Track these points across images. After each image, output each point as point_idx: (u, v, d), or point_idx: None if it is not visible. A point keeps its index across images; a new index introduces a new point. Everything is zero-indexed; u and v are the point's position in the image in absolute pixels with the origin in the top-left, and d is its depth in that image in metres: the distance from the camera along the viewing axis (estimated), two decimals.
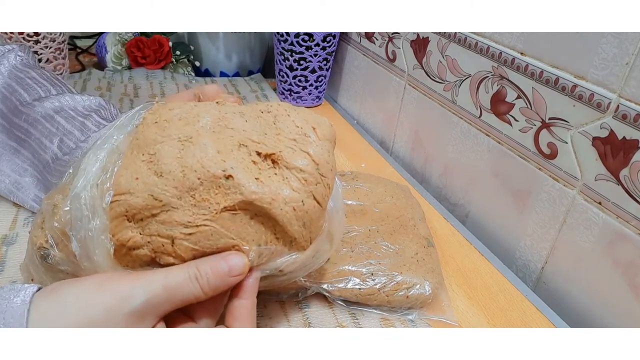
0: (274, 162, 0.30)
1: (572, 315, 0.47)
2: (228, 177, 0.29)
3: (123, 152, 0.30)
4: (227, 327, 0.31)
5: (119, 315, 0.27)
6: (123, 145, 0.31)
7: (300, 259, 0.32)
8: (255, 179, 0.29)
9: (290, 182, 0.30)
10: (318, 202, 0.31)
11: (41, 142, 0.45)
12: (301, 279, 0.40)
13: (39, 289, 0.28)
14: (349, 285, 0.40)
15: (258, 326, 0.38)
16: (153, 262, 0.30)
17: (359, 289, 0.40)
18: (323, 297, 0.42)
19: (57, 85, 0.50)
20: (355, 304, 0.41)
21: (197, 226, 0.29)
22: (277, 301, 0.41)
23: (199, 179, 0.29)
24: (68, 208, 0.30)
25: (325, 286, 0.40)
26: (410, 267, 0.42)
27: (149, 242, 0.29)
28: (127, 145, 0.31)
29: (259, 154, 0.30)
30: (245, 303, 0.30)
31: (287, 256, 0.31)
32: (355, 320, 0.40)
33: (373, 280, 0.40)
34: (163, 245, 0.29)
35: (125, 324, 0.27)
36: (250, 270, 0.30)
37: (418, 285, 0.41)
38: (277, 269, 0.31)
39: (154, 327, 0.28)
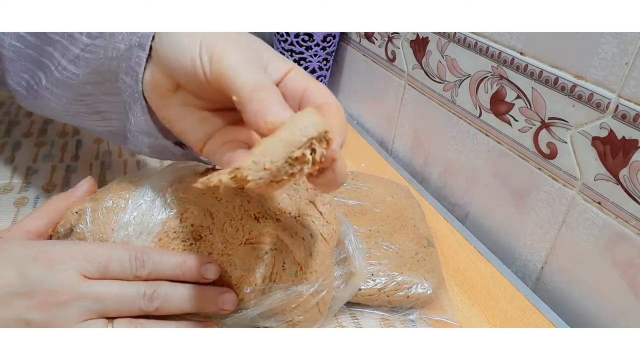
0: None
1: (571, 315, 0.47)
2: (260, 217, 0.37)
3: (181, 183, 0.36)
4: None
5: None
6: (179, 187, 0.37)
7: (300, 290, 0.35)
8: (277, 220, 0.37)
9: (302, 222, 0.37)
10: (324, 239, 0.36)
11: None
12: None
13: None
14: None
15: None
16: None
17: (360, 289, 0.40)
18: None
19: None
20: (356, 305, 0.41)
21: (223, 254, 0.35)
22: None
23: (246, 211, 0.36)
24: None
25: None
26: (411, 267, 0.42)
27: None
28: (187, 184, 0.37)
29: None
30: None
31: (287, 292, 0.35)
32: (355, 321, 0.40)
33: (374, 280, 0.41)
34: None
35: None
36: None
37: (418, 285, 0.41)
38: (278, 301, 0.35)
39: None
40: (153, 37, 0.32)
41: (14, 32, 0.40)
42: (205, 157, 0.34)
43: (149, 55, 0.32)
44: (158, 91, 0.32)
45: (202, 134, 0.33)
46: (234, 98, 0.27)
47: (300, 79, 0.30)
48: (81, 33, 0.36)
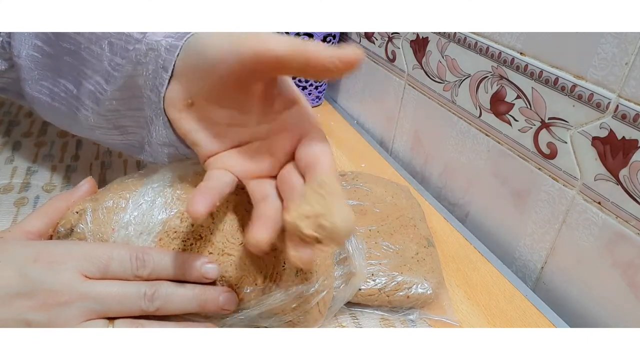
0: None
1: (571, 315, 0.47)
2: None
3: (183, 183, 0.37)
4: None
5: None
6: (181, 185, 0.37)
7: (300, 290, 0.35)
8: None
9: None
10: None
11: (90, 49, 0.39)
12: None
13: None
14: None
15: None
16: None
17: (360, 289, 0.40)
18: None
19: None
20: (356, 305, 0.41)
21: (223, 254, 0.34)
22: None
23: (246, 211, 0.36)
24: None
25: None
26: (411, 267, 0.42)
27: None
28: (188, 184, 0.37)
29: None
30: None
31: (287, 292, 0.35)
32: (356, 321, 0.41)
33: (374, 280, 0.41)
34: None
35: None
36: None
37: (419, 285, 0.41)
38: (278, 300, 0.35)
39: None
40: (175, 60, 0.33)
41: (31, 43, 0.42)
42: (205, 168, 0.35)
43: (171, 74, 0.34)
44: (176, 106, 0.34)
45: (210, 148, 0.34)
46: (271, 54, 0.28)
47: (314, 149, 0.32)
48: (102, 47, 0.37)
